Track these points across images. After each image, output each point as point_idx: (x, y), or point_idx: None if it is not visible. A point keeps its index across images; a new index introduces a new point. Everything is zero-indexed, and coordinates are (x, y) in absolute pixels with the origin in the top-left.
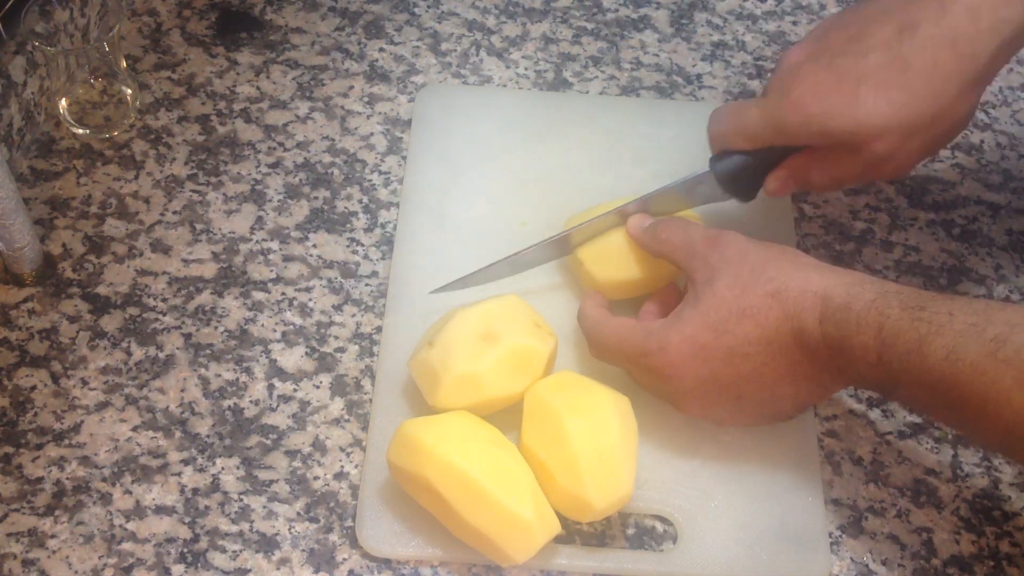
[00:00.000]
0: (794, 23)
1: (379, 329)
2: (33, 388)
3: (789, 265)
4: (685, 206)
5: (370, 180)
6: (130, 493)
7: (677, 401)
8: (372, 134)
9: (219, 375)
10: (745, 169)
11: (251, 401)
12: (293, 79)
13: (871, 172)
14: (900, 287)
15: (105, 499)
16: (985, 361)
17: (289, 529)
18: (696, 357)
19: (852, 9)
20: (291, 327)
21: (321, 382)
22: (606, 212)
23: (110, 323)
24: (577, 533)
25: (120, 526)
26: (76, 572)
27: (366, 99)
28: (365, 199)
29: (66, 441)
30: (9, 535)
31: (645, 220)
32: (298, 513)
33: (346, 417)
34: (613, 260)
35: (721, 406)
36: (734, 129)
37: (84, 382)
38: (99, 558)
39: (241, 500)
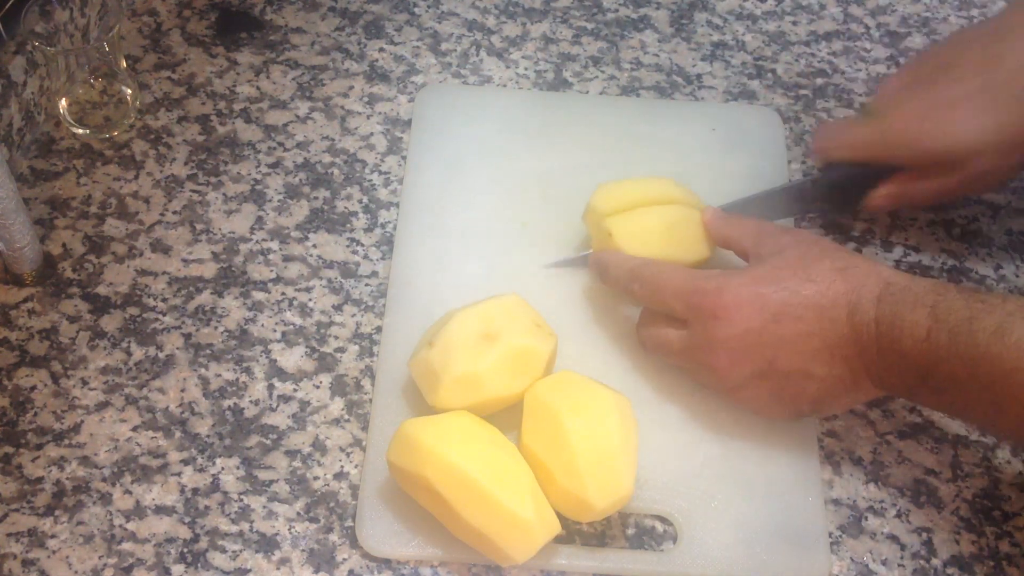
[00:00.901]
0: (794, 23)
1: (379, 329)
2: (33, 388)
3: (857, 255)
4: (781, 215)
5: (370, 180)
6: (130, 493)
7: (707, 352)
8: (372, 134)
9: (219, 375)
10: (851, 180)
11: (251, 401)
12: (293, 79)
13: (970, 187)
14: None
15: (105, 499)
16: None
17: (289, 529)
18: (751, 304)
19: (942, 43)
20: (291, 327)
21: (321, 382)
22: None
23: (110, 323)
24: (577, 533)
25: (120, 526)
26: (76, 572)
27: (366, 99)
28: (365, 199)
29: (66, 441)
30: (9, 535)
31: (719, 212)
32: (298, 513)
33: (346, 417)
34: (643, 238)
35: (749, 366)
36: (841, 143)
37: (84, 382)
38: (99, 558)
39: (241, 500)
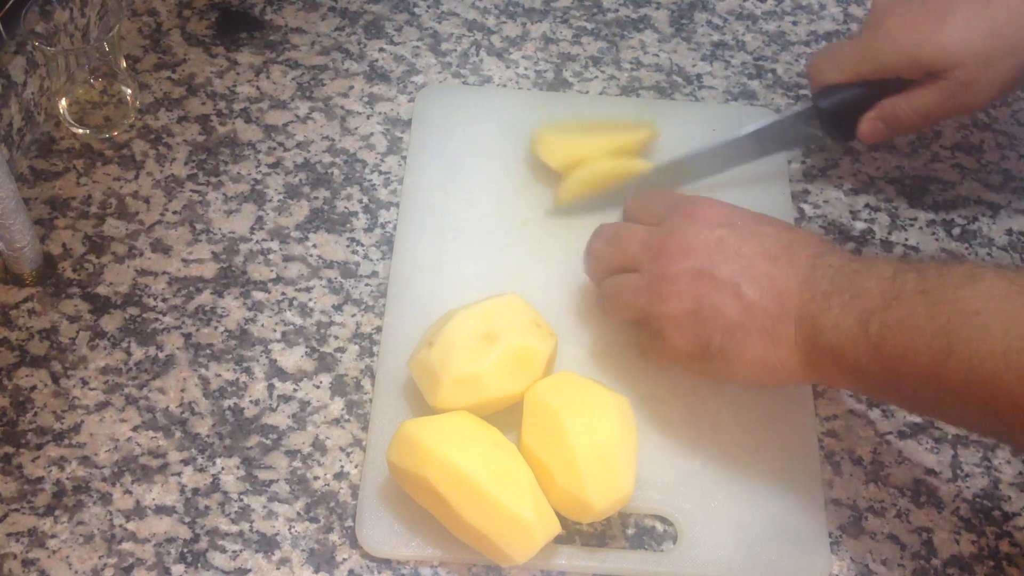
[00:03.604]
0: (794, 23)
1: (379, 329)
2: (33, 388)
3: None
4: (783, 148)
5: (370, 180)
6: (130, 493)
7: (656, 261)
8: (372, 134)
9: (219, 375)
10: (844, 104)
11: (251, 401)
12: (293, 79)
13: (952, 103)
14: None
15: (105, 499)
16: (998, 281)
17: (289, 529)
18: (721, 212)
19: None
20: (291, 327)
21: (321, 382)
22: (705, 147)
23: (110, 323)
24: (577, 533)
25: (120, 526)
26: (76, 572)
27: (366, 99)
28: (365, 199)
29: (66, 441)
30: (9, 535)
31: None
32: (298, 513)
33: (346, 417)
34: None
35: (689, 261)
36: (830, 62)
37: (84, 382)
38: (99, 558)
39: (241, 500)
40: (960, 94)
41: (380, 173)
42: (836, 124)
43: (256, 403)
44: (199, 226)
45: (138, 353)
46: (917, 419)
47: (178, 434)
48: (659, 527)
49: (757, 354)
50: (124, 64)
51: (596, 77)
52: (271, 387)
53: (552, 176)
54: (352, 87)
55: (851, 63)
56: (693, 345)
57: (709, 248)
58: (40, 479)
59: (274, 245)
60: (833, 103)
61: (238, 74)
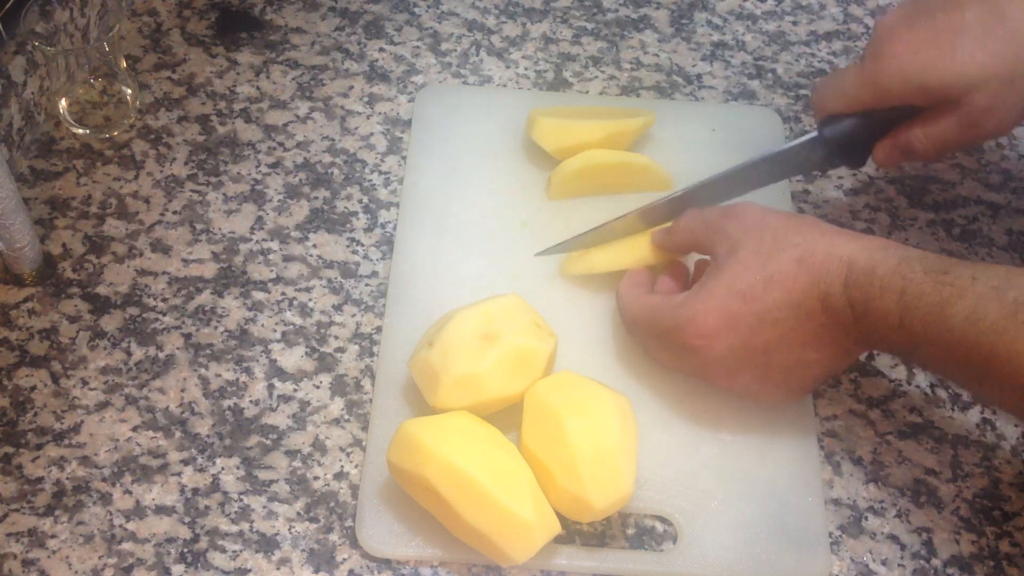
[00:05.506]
0: (794, 23)
1: (379, 329)
2: (33, 388)
3: (813, 231)
4: (789, 174)
5: (370, 180)
6: (130, 493)
7: (704, 372)
8: (372, 134)
9: (219, 375)
10: (852, 134)
11: (251, 401)
12: (293, 79)
13: (972, 131)
14: (923, 252)
15: (105, 499)
16: (1005, 322)
17: (289, 529)
18: (725, 325)
19: None
20: (291, 327)
21: (321, 382)
22: (711, 178)
23: (110, 323)
24: (577, 533)
25: (120, 526)
26: (76, 572)
27: (366, 99)
28: (365, 199)
29: (66, 441)
30: (9, 535)
31: (661, 228)
32: (298, 513)
33: (346, 417)
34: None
35: (748, 374)
36: (833, 92)
37: (84, 382)
38: (99, 558)
39: (241, 500)
40: (980, 121)
41: (380, 173)
42: (844, 152)
43: (256, 403)
44: (199, 226)
45: (138, 353)
46: (917, 419)
47: (178, 434)
48: (659, 527)
49: (848, 364)
50: (124, 64)
51: (596, 77)
52: (271, 387)
53: (550, 167)
54: (352, 87)
55: (854, 93)
56: (796, 398)
57: (744, 360)
58: (40, 479)
59: (274, 245)
60: (839, 132)
61: (238, 74)
